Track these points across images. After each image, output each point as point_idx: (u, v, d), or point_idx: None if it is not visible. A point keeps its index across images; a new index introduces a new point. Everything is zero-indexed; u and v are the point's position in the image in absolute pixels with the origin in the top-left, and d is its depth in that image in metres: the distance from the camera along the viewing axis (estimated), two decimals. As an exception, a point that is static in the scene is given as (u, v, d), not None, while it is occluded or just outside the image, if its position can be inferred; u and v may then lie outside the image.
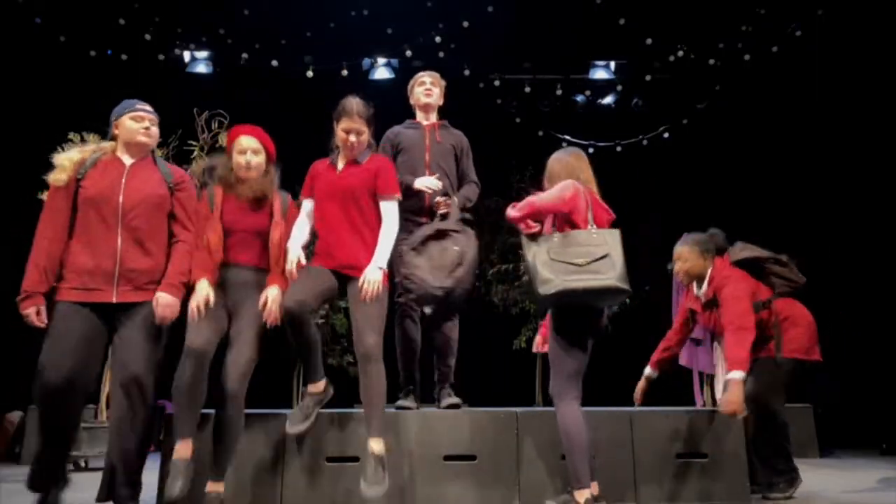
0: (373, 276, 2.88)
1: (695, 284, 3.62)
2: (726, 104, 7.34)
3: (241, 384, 2.73)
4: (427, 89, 3.78)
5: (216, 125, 4.25)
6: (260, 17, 6.83)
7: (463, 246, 3.29)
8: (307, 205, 3.16)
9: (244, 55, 7.07)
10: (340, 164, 3.15)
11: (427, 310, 3.40)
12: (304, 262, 2.98)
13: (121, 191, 2.77)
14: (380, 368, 2.84)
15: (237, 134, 3.09)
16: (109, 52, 6.97)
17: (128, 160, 2.88)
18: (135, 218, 2.76)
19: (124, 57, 6.95)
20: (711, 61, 7.18)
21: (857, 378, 6.67)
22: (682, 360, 5.87)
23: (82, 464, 4.99)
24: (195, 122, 4.26)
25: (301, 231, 3.10)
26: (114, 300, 2.69)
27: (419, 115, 3.83)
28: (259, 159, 3.06)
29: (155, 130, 2.95)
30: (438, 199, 3.44)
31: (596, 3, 6.73)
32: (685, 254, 3.57)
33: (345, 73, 7.18)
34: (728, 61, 7.16)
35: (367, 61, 7.33)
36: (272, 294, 2.86)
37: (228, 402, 2.72)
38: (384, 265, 2.95)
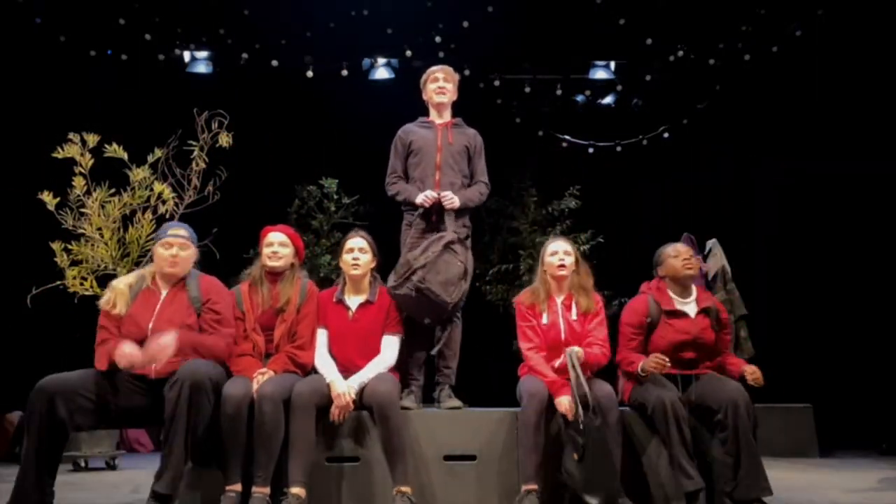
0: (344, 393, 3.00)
1: (675, 294, 3.29)
2: (726, 104, 7.33)
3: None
4: (440, 87, 3.69)
5: (216, 125, 4.23)
6: (260, 17, 6.82)
7: (464, 260, 3.43)
8: (323, 335, 3.24)
9: (244, 55, 7.06)
10: (352, 304, 3.26)
11: (427, 321, 3.45)
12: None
13: (150, 323, 2.92)
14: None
15: (266, 232, 3.29)
16: (109, 52, 6.95)
17: (163, 289, 3.03)
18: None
19: (124, 57, 6.94)
20: (711, 61, 7.17)
21: (857, 378, 6.66)
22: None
23: (82, 464, 4.99)
24: (195, 122, 4.24)
25: (329, 363, 3.17)
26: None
27: (432, 114, 3.76)
28: (286, 252, 3.23)
29: (184, 254, 3.04)
30: (442, 194, 3.49)
31: (596, 3, 6.72)
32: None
33: (345, 73, 7.17)
34: (728, 61, 7.15)
35: (367, 61, 7.31)
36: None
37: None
38: (357, 386, 3.05)
